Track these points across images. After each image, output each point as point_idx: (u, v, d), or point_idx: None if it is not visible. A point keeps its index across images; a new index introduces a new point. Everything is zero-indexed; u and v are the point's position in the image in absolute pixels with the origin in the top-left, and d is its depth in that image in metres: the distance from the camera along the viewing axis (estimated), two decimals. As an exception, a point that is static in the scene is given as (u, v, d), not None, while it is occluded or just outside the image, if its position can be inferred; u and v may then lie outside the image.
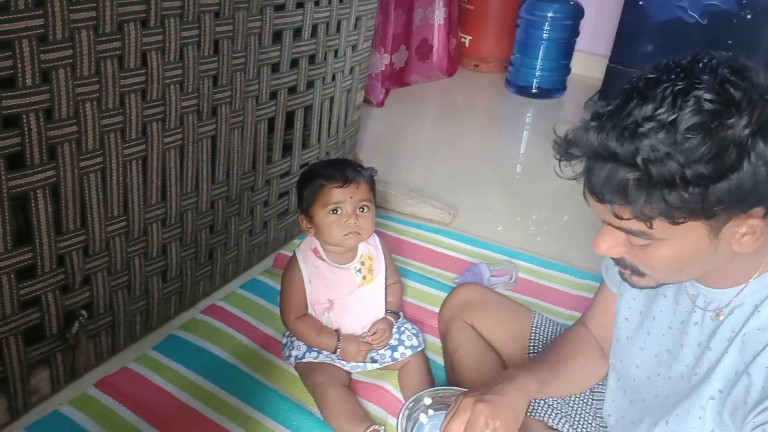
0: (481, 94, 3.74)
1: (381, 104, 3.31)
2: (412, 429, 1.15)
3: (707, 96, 0.71)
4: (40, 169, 1.18)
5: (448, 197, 2.43)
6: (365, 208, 1.46)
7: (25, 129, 1.13)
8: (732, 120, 0.70)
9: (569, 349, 1.23)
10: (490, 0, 3.71)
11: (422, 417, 1.17)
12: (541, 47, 3.40)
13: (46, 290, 1.29)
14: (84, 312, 1.39)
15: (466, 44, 3.90)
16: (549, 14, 3.33)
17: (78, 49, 1.15)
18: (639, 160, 0.72)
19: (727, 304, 0.90)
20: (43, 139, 1.16)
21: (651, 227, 0.77)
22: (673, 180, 0.71)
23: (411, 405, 1.17)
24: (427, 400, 1.19)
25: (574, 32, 3.45)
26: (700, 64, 0.74)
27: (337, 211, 1.43)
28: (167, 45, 1.33)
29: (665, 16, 2.83)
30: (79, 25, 1.14)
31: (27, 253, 1.23)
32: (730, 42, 2.76)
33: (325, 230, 1.44)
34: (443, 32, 3.67)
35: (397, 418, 1.14)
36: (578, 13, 3.40)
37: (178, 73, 1.39)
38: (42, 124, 1.14)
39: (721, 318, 0.91)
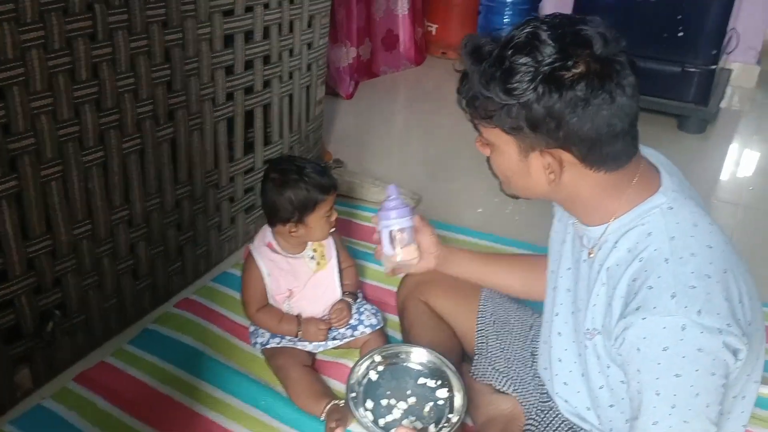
0: (450, 81, 3.74)
1: (350, 96, 3.39)
2: (361, 385, 1.24)
3: (518, 40, 0.89)
4: (2, 180, 1.27)
5: (415, 184, 2.52)
6: None
7: (-15, 143, 1.22)
8: (521, 59, 0.87)
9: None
10: (452, -13, 3.80)
11: (372, 374, 1.26)
12: (503, 32, 3.48)
13: (18, 292, 1.38)
14: (57, 311, 1.48)
15: (433, 32, 3.99)
16: (507, 0, 3.42)
17: (29, 67, 1.24)
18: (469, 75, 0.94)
19: (597, 242, 1.03)
20: (2, 151, 1.25)
21: (478, 129, 0.99)
22: (478, 93, 0.92)
23: (360, 364, 1.27)
24: (377, 358, 1.28)
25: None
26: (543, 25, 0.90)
27: (329, 215, 1.55)
28: (117, 57, 1.42)
29: (616, -5, 2.92)
30: (29, 44, 1.23)
31: (-3, 259, 1.32)
32: (679, 17, 2.85)
33: (316, 232, 1.55)
34: (408, 22, 3.75)
35: (348, 379, 1.23)
36: (536, -3, 3.50)
37: (130, 82, 1.48)
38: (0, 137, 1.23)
39: (592, 255, 1.04)
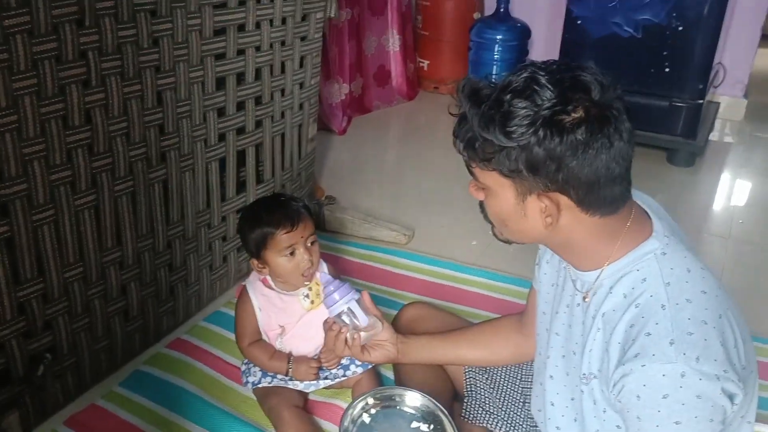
0: (442, 115, 3.81)
1: (343, 132, 3.43)
2: (355, 426, 1.23)
3: (516, 85, 0.90)
4: (-7, 225, 1.28)
5: (408, 218, 2.54)
6: (313, 241, 1.55)
7: (-23, 190, 1.23)
8: (520, 103, 0.88)
9: (482, 327, 1.46)
10: (443, 25, 3.88)
11: (365, 416, 1.26)
12: (494, 67, 3.54)
13: (9, 337, 1.38)
14: (48, 355, 1.48)
15: (425, 68, 4.05)
16: (497, 37, 3.49)
17: (22, 114, 1.26)
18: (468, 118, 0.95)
19: (591, 287, 1.03)
20: (-6, 197, 1.26)
21: (472, 172, 1.00)
22: (478, 135, 0.93)
23: (354, 406, 1.26)
24: (370, 400, 1.28)
25: (522, 52, 3.60)
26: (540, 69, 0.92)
27: (292, 254, 1.50)
28: (110, 102, 1.44)
29: (602, 32, 2.97)
30: (22, 92, 1.25)
31: (-13, 303, 1.32)
32: (665, 53, 2.90)
33: (283, 274, 1.52)
34: (400, 58, 3.82)
35: (341, 422, 1.23)
36: (524, 33, 3.56)
37: (123, 126, 1.49)
38: (-9, 184, 1.25)
39: (587, 300, 1.04)
